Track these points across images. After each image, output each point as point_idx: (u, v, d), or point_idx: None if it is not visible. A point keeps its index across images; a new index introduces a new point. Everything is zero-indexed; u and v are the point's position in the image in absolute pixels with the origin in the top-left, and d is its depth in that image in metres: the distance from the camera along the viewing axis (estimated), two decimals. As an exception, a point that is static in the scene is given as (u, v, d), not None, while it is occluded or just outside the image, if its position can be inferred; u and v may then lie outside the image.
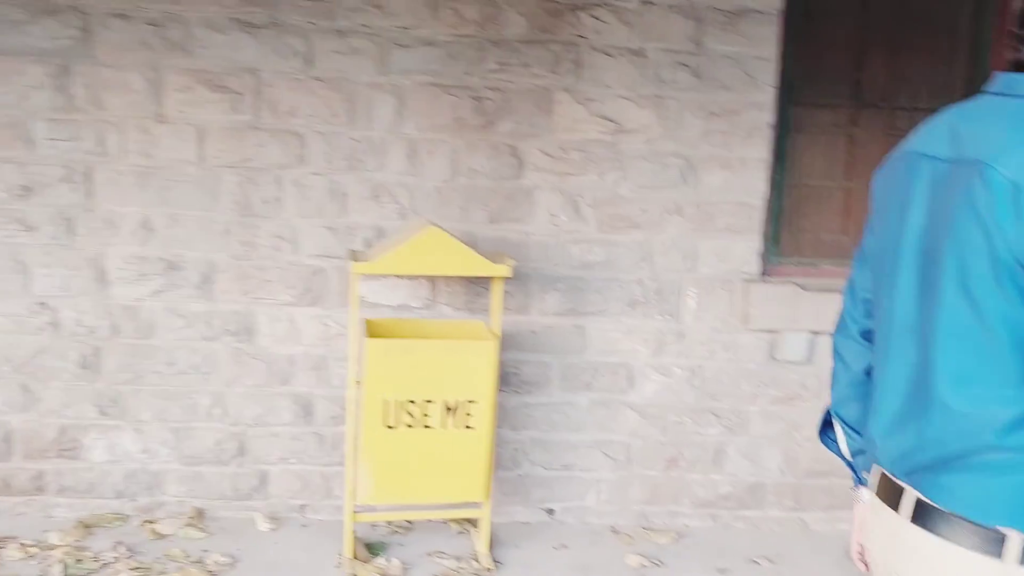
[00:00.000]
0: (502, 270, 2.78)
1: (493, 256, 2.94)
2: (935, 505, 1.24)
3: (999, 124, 1.24)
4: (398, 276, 3.12)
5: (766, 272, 3.37)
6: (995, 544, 1.18)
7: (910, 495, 1.28)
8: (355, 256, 2.86)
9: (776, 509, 3.40)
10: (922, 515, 1.26)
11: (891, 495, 1.32)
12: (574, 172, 3.19)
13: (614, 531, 3.27)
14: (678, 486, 3.37)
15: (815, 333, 3.29)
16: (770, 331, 3.30)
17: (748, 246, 3.29)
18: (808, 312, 3.27)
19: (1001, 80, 1.28)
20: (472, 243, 3.15)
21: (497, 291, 2.91)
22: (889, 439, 1.34)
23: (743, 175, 3.25)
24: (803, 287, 3.28)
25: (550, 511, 3.34)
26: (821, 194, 3.46)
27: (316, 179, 3.10)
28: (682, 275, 3.28)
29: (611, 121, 3.18)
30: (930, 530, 1.24)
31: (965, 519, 1.21)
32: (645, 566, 3.01)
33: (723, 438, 3.36)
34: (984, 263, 1.18)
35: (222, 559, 2.87)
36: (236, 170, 3.07)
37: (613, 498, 3.35)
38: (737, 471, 3.38)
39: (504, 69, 3.11)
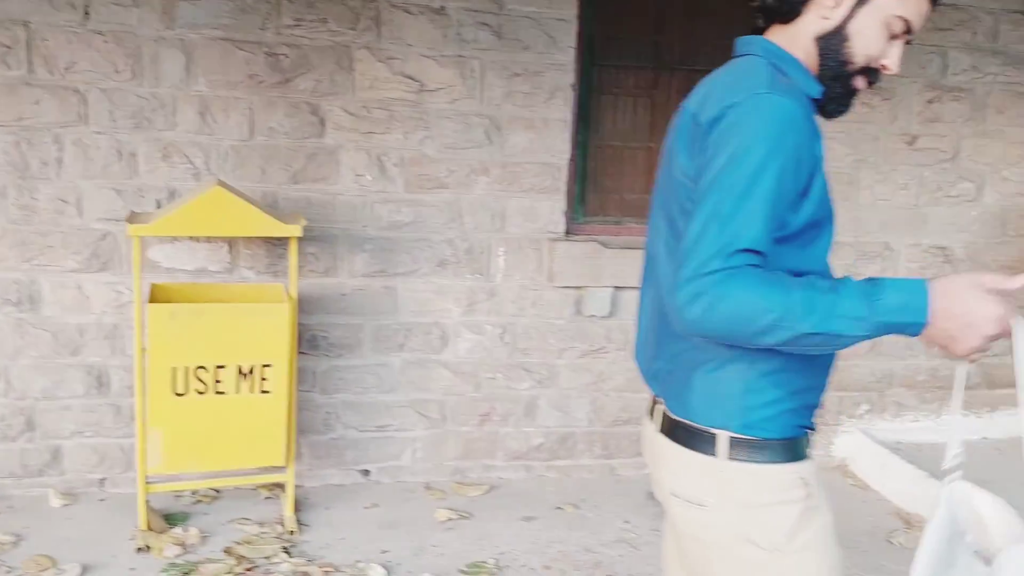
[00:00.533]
0: (293, 230, 2.74)
1: (289, 217, 2.88)
2: (670, 414, 1.38)
3: (711, 75, 1.38)
4: (194, 239, 3.02)
5: (573, 231, 3.46)
6: (709, 443, 1.32)
7: (660, 408, 1.42)
8: (134, 218, 2.75)
9: (586, 457, 3.55)
10: (665, 424, 1.40)
11: (651, 409, 1.47)
12: (378, 131, 3.16)
13: (428, 488, 3.33)
14: (492, 440, 3.45)
15: (618, 288, 3.42)
16: (575, 287, 3.41)
17: (554, 205, 3.37)
18: (610, 268, 3.39)
19: (736, 43, 1.43)
20: (274, 204, 3.09)
21: (293, 252, 2.86)
22: (641, 355, 1.50)
23: (547, 135, 3.31)
24: (605, 244, 3.39)
25: (365, 472, 3.36)
26: (625, 154, 3.58)
27: (100, 138, 2.94)
28: (491, 234, 3.33)
29: (414, 80, 3.16)
30: (669, 436, 1.39)
31: (687, 423, 1.35)
32: (452, 519, 3.08)
33: (534, 392, 3.46)
34: (674, 190, 1.34)
35: (5, 538, 2.73)
36: (9, 129, 2.87)
37: (428, 456, 3.40)
38: (548, 423, 3.49)
39: (300, 25, 3.03)
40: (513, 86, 3.25)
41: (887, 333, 1.16)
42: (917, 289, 1.15)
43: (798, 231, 1.26)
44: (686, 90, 3.81)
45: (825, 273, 1.35)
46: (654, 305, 1.44)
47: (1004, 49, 3.62)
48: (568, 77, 3.29)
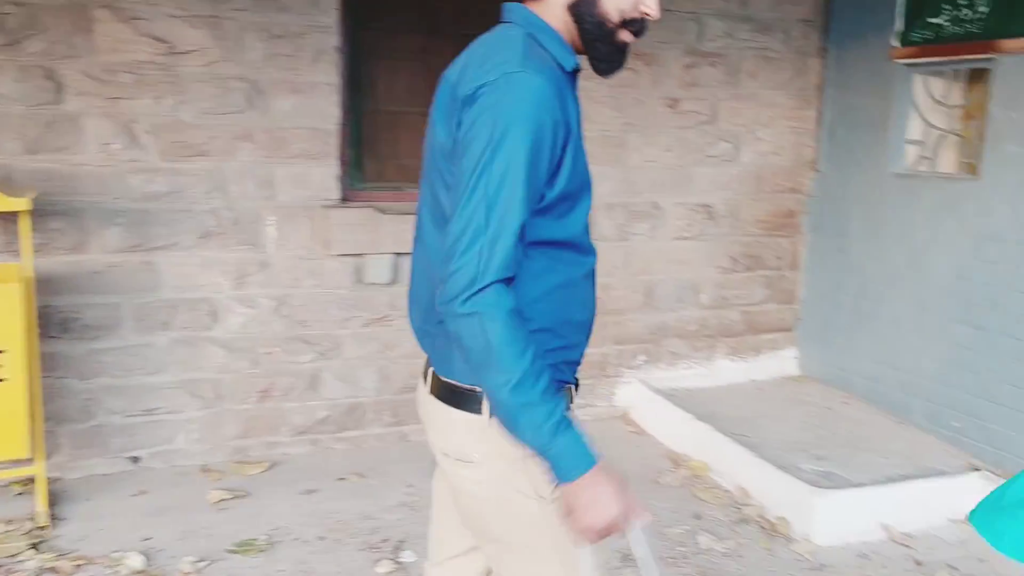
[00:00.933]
0: (19, 203, 2.52)
1: (20, 190, 2.65)
2: (438, 375, 1.39)
3: (471, 45, 1.37)
4: (-91, 218, 2.72)
5: (350, 197, 3.40)
6: (473, 401, 1.35)
7: (430, 369, 1.42)
8: None
9: (376, 426, 3.52)
10: (434, 385, 1.40)
11: (424, 371, 1.46)
12: (125, 96, 2.96)
13: (205, 470, 3.20)
14: (274, 416, 3.36)
15: (399, 255, 3.40)
16: (354, 255, 3.36)
17: (326, 171, 3.29)
18: (390, 235, 3.36)
19: (501, 9, 1.42)
20: (7, 178, 2.83)
21: (25, 228, 2.63)
22: (413, 316, 1.48)
23: (314, 100, 3.23)
24: (383, 210, 3.36)
25: (134, 459, 3.18)
26: (402, 120, 3.55)
27: None
28: (260, 203, 3.21)
29: (162, 41, 2.98)
30: (438, 397, 1.39)
31: (453, 383, 1.36)
32: (227, 499, 2.97)
33: (317, 364, 3.39)
34: (435, 161, 1.35)
35: None
36: None
37: (205, 437, 3.26)
38: (334, 395, 3.43)
39: (23, -20, 2.78)
40: (274, 48, 3.14)
41: (544, 458, 1.24)
42: (582, 457, 1.23)
43: (553, 203, 1.29)
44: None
45: (581, 240, 1.37)
46: (424, 269, 1.43)
47: (754, 16, 3.87)
48: (332, 40, 3.21)
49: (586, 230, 1.38)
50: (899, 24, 3.58)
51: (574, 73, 1.37)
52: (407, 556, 2.68)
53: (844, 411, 3.73)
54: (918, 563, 2.77)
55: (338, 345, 3.41)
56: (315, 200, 3.28)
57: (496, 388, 1.21)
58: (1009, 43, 3.12)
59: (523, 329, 1.21)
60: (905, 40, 3.56)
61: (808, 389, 4.02)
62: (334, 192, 3.32)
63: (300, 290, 3.32)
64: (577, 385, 1.45)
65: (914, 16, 3.52)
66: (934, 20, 3.43)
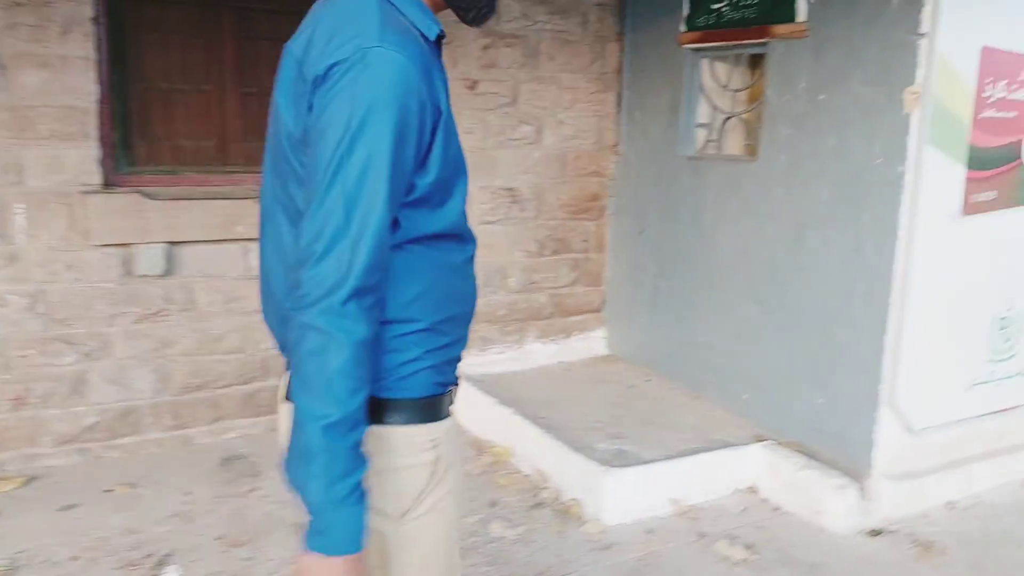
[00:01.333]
0: None
1: None
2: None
3: (316, 12, 1.21)
4: None
5: (117, 182, 3.11)
6: None
7: (287, 374, 1.25)
8: None
9: (155, 430, 3.25)
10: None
11: (283, 375, 1.30)
12: None
13: (-55, 490, 2.85)
14: (32, 426, 3.03)
15: (173, 244, 3.14)
16: (120, 245, 3.07)
17: (84, 154, 2.99)
18: (161, 223, 3.10)
19: None
20: None
21: None
22: (270, 318, 1.32)
23: (66, 75, 2.92)
24: (151, 196, 3.09)
25: None
26: (177, 98, 3.28)
27: None
28: (5, 189, 2.88)
29: None
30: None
31: None
32: (-35, 522, 2.65)
33: (82, 366, 3.09)
34: (282, 148, 1.18)
35: None
36: None
37: (-54, 453, 2.90)
38: (103, 399, 3.14)
39: None
40: (15, 17, 2.81)
41: (309, 513, 1.08)
42: (355, 539, 1.08)
43: (427, 194, 1.14)
44: (243, 28, 3.57)
45: (460, 228, 1.23)
46: (277, 268, 1.25)
47: (551, -1, 3.86)
48: (86, 10, 2.91)
49: (464, 217, 1.25)
50: (686, 9, 3.66)
51: (438, 41, 1.22)
52: (170, 571, 2.46)
53: (645, 388, 3.80)
54: (701, 534, 2.84)
55: (106, 344, 3.12)
56: (72, 185, 2.97)
57: (309, 418, 1.05)
58: (779, 28, 3.24)
59: (366, 367, 1.07)
60: (691, 25, 3.65)
61: (614, 368, 4.07)
62: (95, 176, 3.02)
63: (58, 285, 3.00)
64: (457, 384, 1.31)
65: (699, 1, 3.61)
66: (716, 5, 3.52)
